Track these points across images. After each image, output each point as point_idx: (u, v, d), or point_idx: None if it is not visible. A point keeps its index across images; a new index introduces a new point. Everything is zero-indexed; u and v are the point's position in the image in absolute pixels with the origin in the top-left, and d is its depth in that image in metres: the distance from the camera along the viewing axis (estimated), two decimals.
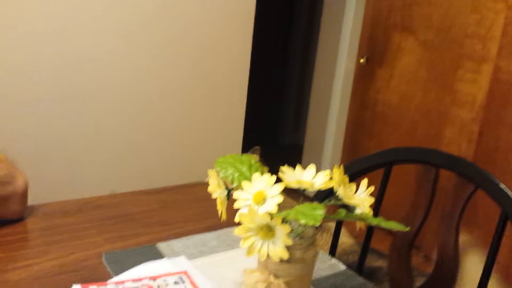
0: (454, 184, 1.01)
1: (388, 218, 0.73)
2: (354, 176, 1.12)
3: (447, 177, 1.05)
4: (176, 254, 0.90)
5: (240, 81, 2.29)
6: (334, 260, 0.96)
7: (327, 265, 0.94)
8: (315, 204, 0.65)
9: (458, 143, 2.51)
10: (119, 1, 1.91)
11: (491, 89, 2.34)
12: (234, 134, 2.36)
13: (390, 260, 1.15)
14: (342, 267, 0.93)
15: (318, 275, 0.89)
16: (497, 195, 0.93)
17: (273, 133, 4.68)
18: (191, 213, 1.08)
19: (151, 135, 2.14)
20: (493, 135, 2.35)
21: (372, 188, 0.75)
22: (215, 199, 0.73)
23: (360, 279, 0.90)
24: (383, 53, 2.88)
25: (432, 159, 1.03)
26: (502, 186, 0.93)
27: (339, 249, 1.51)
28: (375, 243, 1.54)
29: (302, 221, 0.61)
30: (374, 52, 2.95)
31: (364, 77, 3.03)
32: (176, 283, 0.77)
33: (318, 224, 0.61)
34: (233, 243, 0.96)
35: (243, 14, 2.19)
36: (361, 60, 3.00)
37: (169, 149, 2.19)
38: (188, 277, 0.80)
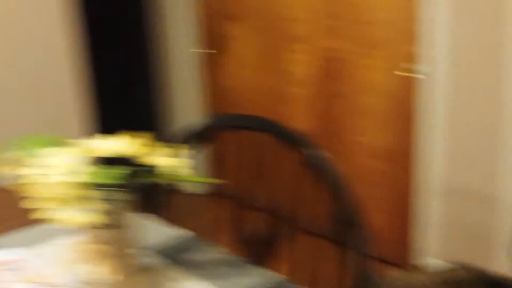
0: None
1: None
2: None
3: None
4: None
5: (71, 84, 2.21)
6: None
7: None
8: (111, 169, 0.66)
9: (298, 119, 2.70)
10: None
11: (317, 66, 2.55)
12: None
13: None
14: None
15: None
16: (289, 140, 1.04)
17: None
18: None
19: None
20: (326, 108, 2.57)
21: (184, 151, 0.78)
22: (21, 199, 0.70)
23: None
24: (220, 41, 2.98)
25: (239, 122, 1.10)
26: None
27: None
28: None
29: (98, 181, 0.62)
30: (213, 42, 3.03)
31: (209, 65, 3.11)
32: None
33: (110, 181, 0.61)
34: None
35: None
36: (203, 50, 3.08)
37: None
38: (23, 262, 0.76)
